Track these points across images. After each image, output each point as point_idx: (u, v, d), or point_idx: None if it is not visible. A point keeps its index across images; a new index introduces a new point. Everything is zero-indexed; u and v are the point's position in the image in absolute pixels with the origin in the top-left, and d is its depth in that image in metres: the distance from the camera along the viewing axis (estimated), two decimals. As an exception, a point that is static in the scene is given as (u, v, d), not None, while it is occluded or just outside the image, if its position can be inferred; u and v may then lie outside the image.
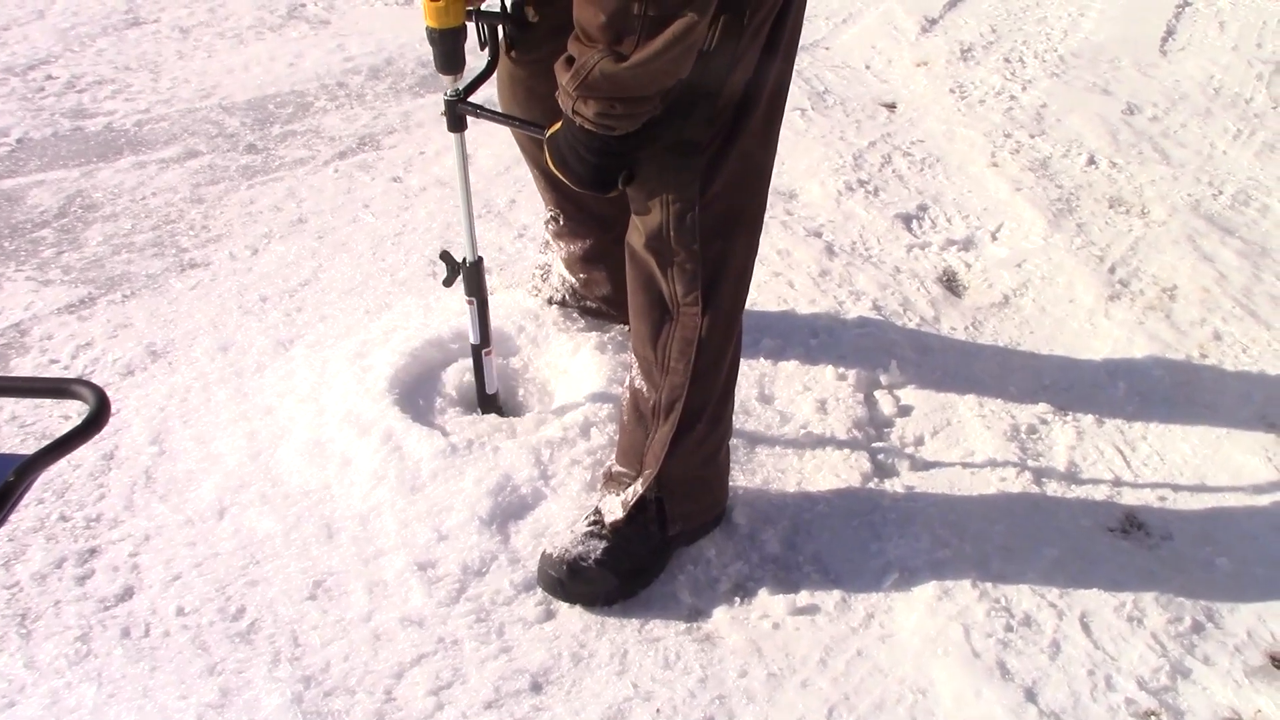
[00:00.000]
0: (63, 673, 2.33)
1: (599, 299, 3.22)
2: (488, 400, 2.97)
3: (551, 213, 3.11)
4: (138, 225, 3.90)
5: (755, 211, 2.40)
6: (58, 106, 4.68)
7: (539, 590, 2.54)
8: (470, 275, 2.76)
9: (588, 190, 2.26)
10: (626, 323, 2.81)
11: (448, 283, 2.76)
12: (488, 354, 2.88)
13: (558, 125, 2.22)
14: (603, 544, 2.53)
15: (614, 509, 2.57)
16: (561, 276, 3.24)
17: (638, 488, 2.55)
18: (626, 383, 2.58)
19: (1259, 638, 2.51)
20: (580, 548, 2.52)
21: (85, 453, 2.87)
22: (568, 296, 3.27)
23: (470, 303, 2.80)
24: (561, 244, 3.17)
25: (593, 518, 2.59)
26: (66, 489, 2.79)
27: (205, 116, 4.67)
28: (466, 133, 2.60)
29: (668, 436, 2.49)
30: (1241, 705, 2.36)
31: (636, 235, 2.34)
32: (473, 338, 2.86)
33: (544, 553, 2.56)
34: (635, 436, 2.57)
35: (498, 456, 2.78)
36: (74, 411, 2.92)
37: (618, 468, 2.64)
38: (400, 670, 2.36)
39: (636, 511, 2.56)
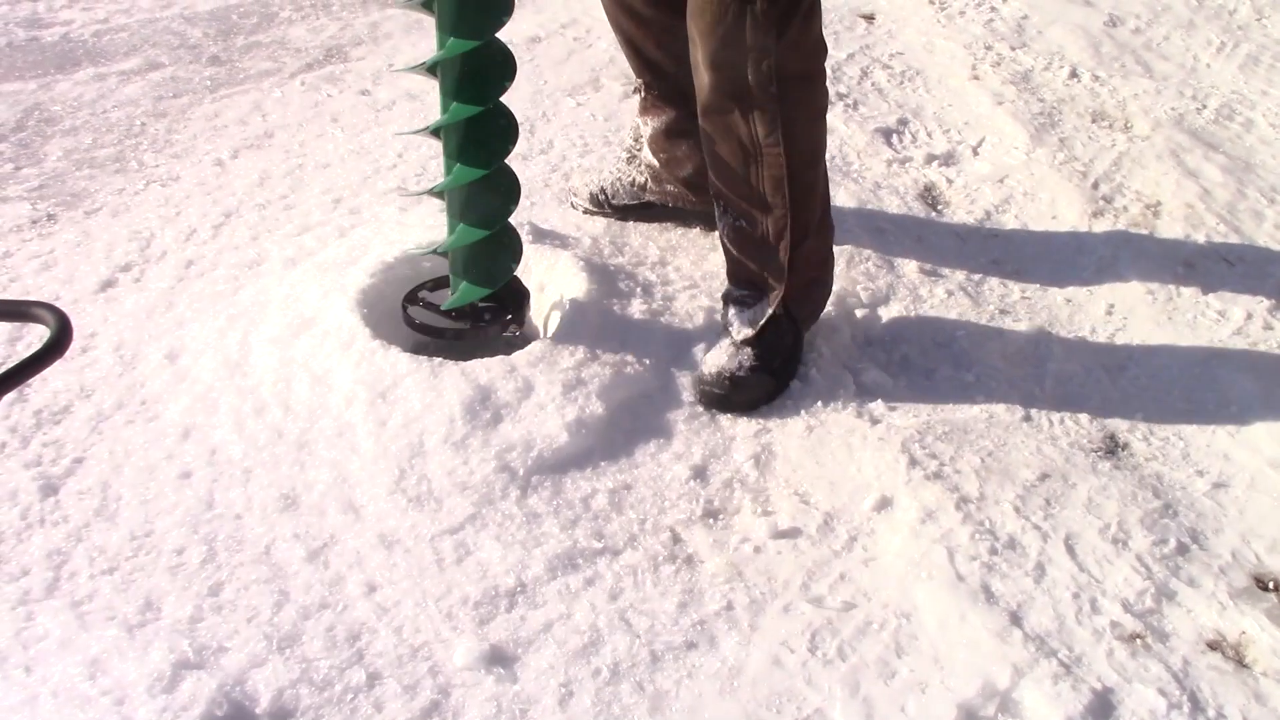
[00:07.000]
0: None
1: (680, 180, 3.24)
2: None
3: (642, 80, 3.19)
4: (99, 140, 3.79)
5: (818, 72, 2.71)
6: (12, 16, 4.52)
7: (513, 502, 2.50)
8: None
9: None
10: (702, 210, 3.10)
11: None
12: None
13: None
14: (750, 350, 2.78)
15: (744, 328, 2.80)
16: (645, 161, 3.28)
17: (765, 307, 2.79)
18: (721, 231, 2.83)
19: (1243, 559, 2.50)
20: (731, 362, 2.77)
21: (51, 373, 2.80)
22: (650, 181, 3.29)
23: None
24: (648, 120, 3.22)
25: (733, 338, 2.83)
26: (30, 411, 2.72)
27: (166, 27, 4.53)
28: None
29: (784, 259, 2.74)
30: (1226, 627, 2.35)
31: (715, 87, 2.60)
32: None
33: (699, 375, 2.80)
34: (746, 266, 2.81)
35: (474, 369, 2.72)
36: (42, 333, 2.85)
37: (736, 290, 2.86)
38: (371, 591, 2.32)
39: (768, 324, 2.79)
